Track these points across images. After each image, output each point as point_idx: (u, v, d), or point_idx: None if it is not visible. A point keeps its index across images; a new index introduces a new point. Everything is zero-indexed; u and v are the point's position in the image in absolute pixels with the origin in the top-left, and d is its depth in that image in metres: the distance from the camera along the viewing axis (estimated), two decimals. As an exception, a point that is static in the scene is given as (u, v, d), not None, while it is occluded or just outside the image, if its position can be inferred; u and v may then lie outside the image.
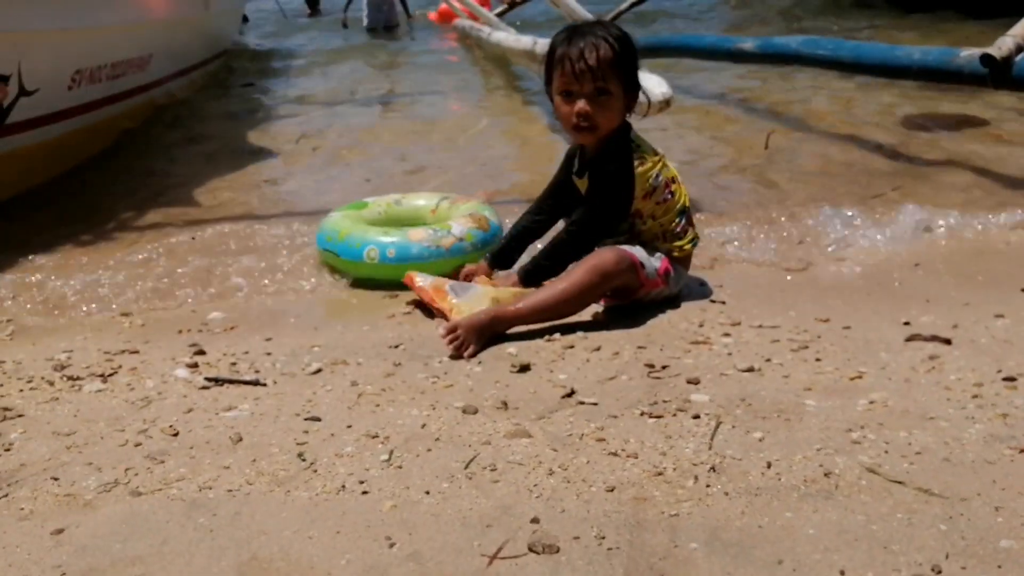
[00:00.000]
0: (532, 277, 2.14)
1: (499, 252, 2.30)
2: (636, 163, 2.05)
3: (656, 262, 2.08)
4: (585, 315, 2.05)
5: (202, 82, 6.24)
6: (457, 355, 1.88)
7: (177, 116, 5.17)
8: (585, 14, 3.29)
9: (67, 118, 3.62)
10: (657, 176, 2.08)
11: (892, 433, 1.44)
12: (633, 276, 2.04)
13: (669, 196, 2.11)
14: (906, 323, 1.92)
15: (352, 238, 2.39)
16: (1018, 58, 2.81)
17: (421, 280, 2.19)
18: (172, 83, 5.36)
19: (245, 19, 9.98)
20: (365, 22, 10.36)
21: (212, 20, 6.52)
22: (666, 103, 2.57)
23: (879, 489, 1.28)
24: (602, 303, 2.11)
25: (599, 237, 2.10)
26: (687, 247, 2.16)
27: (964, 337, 1.83)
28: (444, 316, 2.08)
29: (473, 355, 1.89)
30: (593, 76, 2.00)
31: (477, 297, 2.07)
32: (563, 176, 2.27)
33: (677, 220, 2.13)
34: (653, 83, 2.57)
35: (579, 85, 2.02)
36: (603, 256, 2.02)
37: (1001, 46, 2.84)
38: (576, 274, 2.01)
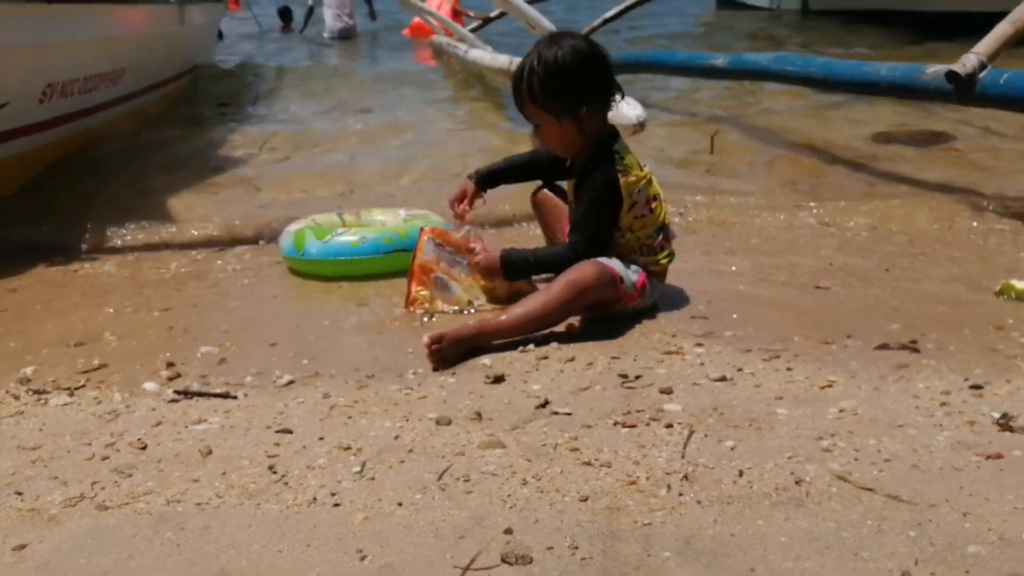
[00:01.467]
0: (516, 270, 2.17)
1: (489, 173, 2.36)
2: (620, 175, 2.06)
3: (634, 276, 2.09)
4: (559, 326, 2.06)
5: (176, 95, 6.21)
6: (435, 367, 1.89)
7: (148, 130, 5.13)
8: (547, 24, 3.23)
9: (38, 131, 3.59)
10: (639, 191, 2.08)
11: (861, 441, 1.45)
12: (612, 290, 2.05)
13: (648, 212, 2.11)
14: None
15: (411, 231, 2.43)
16: (981, 75, 2.87)
17: (427, 248, 2.25)
18: (145, 97, 5.33)
19: (220, 35, 10.04)
20: (325, 34, 10.77)
21: (187, 36, 6.50)
22: (640, 126, 2.62)
23: (849, 496, 1.29)
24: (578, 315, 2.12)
25: (596, 255, 2.07)
26: (663, 262, 2.18)
27: (933, 345, 1.86)
28: (407, 296, 2.21)
29: (447, 367, 1.89)
30: (524, 113, 2.14)
31: (451, 299, 2.21)
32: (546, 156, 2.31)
33: (655, 235, 2.15)
34: (627, 107, 2.60)
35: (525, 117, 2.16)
36: (583, 270, 2.03)
37: (965, 63, 2.90)
38: (556, 288, 2.02)
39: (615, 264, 2.07)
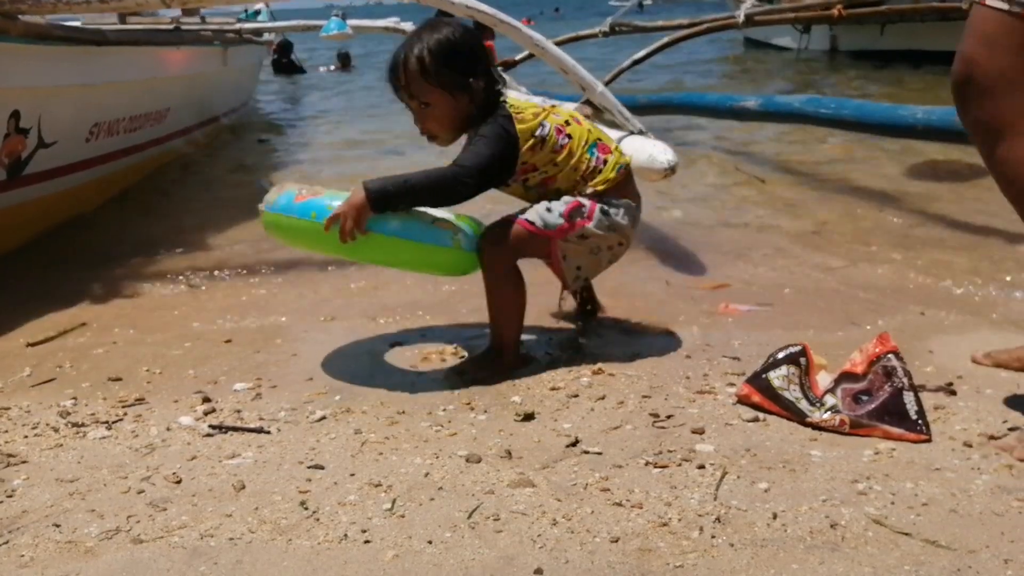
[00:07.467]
0: (387, 198, 1.91)
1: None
2: (515, 119, 1.99)
3: (558, 207, 2.00)
4: (590, 364, 2.06)
5: (218, 134, 6.36)
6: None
7: (192, 166, 5.26)
8: (581, 71, 3.19)
9: (84, 169, 3.69)
10: (543, 126, 1.99)
11: (898, 484, 1.43)
12: (531, 239, 2.00)
13: (566, 139, 2.01)
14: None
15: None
16: None
17: None
18: (189, 135, 5.47)
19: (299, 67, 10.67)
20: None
21: (230, 75, 6.67)
22: (671, 170, 2.60)
23: (885, 541, 1.27)
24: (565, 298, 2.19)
25: (470, 186, 1.95)
26: (611, 175, 2.04)
27: (969, 387, 1.83)
28: None
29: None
30: (409, 93, 2.00)
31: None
32: None
33: (588, 157, 2.03)
34: (658, 150, 2.62)
35: (406, 102, 2.03)
36: (490, 251, 2.00)
37: None
38: (487, 281, 2.05)
39: (523, 216, 2.01)
